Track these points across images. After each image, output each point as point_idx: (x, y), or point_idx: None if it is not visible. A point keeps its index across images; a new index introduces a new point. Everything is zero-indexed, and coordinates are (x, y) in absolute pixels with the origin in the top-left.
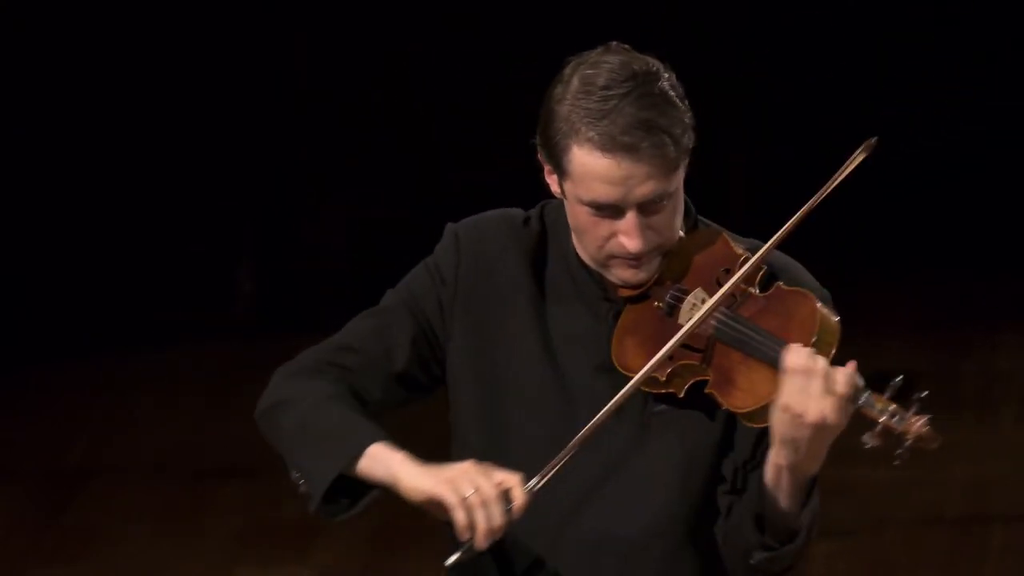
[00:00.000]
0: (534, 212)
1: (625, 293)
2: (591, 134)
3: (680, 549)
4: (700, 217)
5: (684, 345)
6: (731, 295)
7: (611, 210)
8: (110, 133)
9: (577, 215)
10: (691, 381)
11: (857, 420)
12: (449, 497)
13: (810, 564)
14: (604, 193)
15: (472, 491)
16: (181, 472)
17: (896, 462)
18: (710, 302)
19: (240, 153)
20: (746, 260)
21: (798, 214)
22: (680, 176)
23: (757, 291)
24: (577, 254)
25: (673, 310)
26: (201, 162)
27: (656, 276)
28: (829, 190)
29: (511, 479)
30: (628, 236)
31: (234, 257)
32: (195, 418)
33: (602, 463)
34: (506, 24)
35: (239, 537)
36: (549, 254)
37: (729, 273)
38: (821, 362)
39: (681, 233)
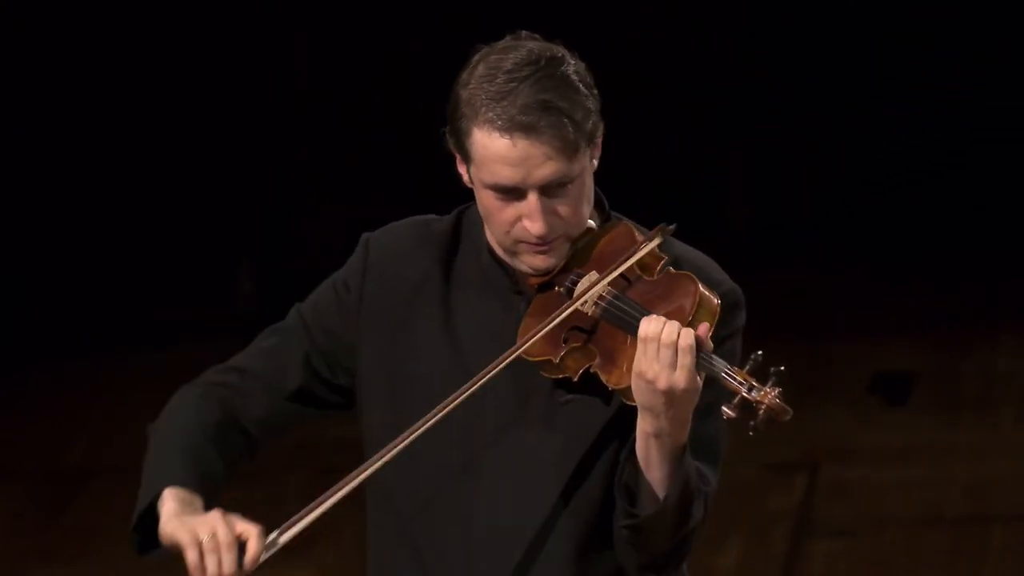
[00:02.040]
0: (449, 215)
1: (534, 282)
2: (490, 115)
3: (588, 540)
4: (614, 212)
5: (576, 327)
6: (624, 279)
7: (513, 193)
8: (110, 133)
9: (483, 200)
10: (584, 365)
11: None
12: (184, 539)
13: (810, 564)
14: (504, 175)
15: (208, 536)
16: None
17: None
18: (599, 280)
19: (240, 153)
20: (642, 245)
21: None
22: (584, 162)
23: (652, 277)
24: (490, 248)
25: (571, 293)
26: (201, 162)
27: (563, 265)
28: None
29: (251, 530)
30: (531, 219)
31: (234, 257)
32: None
33: (506, 454)
34: (506, 24)
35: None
36: (460, 251)
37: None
38: (670, 329)
39: (593, 225)
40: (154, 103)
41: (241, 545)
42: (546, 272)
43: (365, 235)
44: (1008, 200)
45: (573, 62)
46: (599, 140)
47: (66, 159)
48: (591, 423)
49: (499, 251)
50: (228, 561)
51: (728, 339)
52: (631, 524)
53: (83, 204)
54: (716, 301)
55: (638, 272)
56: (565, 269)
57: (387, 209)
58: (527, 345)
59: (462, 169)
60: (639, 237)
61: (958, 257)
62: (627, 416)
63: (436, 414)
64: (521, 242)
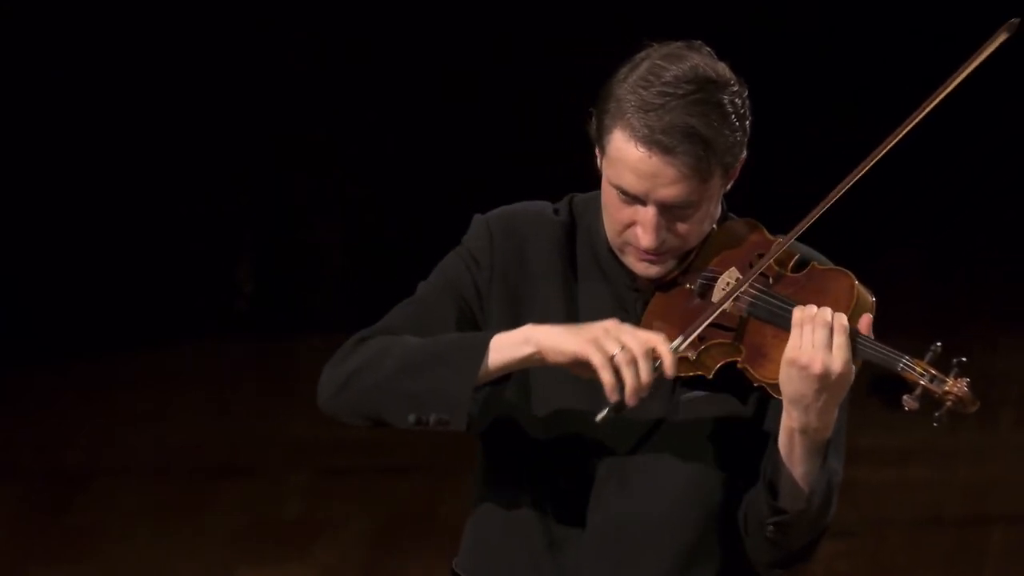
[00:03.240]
0: (562, 204)
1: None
2: (634, 121)
3: (703, 535)
4: (731, 214)
5: (715, 325)
6: (765, 276)
7: (635, 199)
8: (110, 133)
9: (606, 193)
10: (721, 362)
11: (866, 411)
12: (595, 358)
13: (810, 565)
14: (630, 182)
15: (619, 349)
16: (181, 472)
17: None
18: (746, 280)
19: (240, 153)
20: (780, 245)
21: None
22: (713, 190)
23: (791, 273)
24: (607, 241)
25: (706, 291)
26: (201, 162)
27: (685, 267)
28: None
29: (655, 337)
30: (644, 230)
31: (234, 257)
32: (195, 418)
33: (628, 447)
34: (506, 25)
35: (239, 537)
36: (578, 241)
37: (763, 256)
38: (826, 313)
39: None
40: (154, 103)
41: (650, 352)
42: (652, 279)
43: (480, 216)
44: (1008, 199)
45: (735, 89)
46: (738, 168)
47: (66, 159)
48: (722, 418)
49: (610, 242)
50: (645, 371)
51: None
52: (778, 521)
53: (83, 204)
54: (872, 298)
55: (776, 268)
56: (687, 270)
57: (387, 209)
58: (690, 331)
59: (598, 153)
60: (769, 236)
61: (958, 257)
62: (759, 413)
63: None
64: (629, 244)
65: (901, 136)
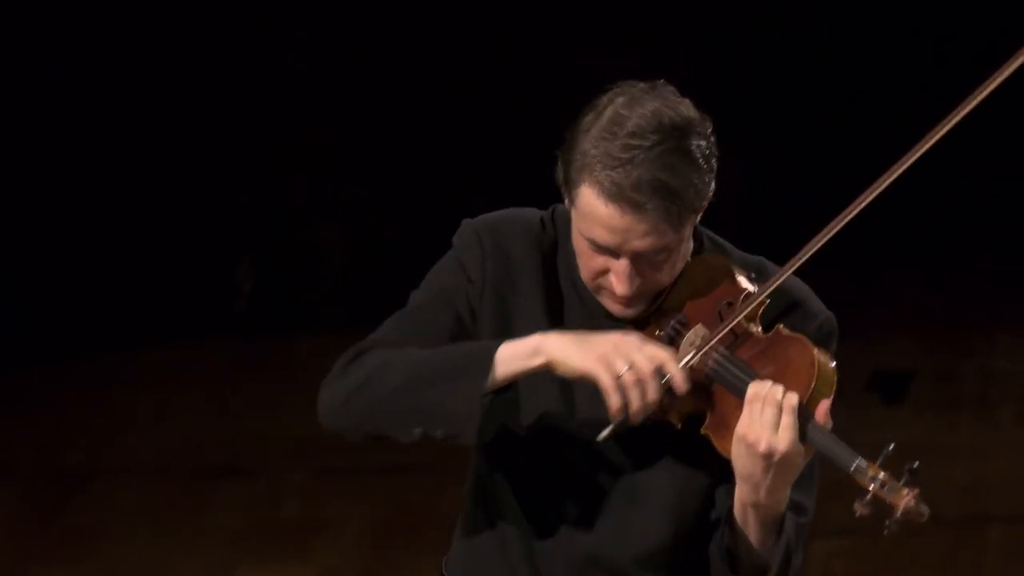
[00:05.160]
0: (547, 216)
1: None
2: (601, 178)
3: (686, 551)
4: (708, 232)
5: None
6: (732, 333)
7: (607, 251)
8: (110, 133)
9: (577, 242)
10: (688, 414)
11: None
12: (603, 379)
13: (808, 563)
14: (601, 237)
15: (626, 368)
16: (181, 472)
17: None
18: (710, 339)
19: (240, 153)
20: (748, 296)
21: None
22: (685, 233)
23: (759, 329)
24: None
25: (673, 342)
26: (201, 162)
27: (658, 304)
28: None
29: (663, 354)
30: (618, 279)
31: (234, 257)
32: (195, 418)
33: (601, 485)
34: (506, 25)
35: (239, 537)
36: (559, 263)
37: (731, 307)
38: (777, 391)
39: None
40: (154, 103)
41: (658, 369)
42: (627, 320)
43: (471, 223)
44: (1008, 199)
45: (700, 130)
46: (706, 204)
47: (67, 159)
48: (694, 463)
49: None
50: (652, 390)
51: None
52: None
53: (83, 204)
54: (832, 365)
55: (745, 324)
56: (660, 309)
57: (386, 209)
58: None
59: (567, 201)
60: (740, 283)
61: (958, 256)
62: (726, 465)
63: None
64: (603, 288)
65: (891, 178)
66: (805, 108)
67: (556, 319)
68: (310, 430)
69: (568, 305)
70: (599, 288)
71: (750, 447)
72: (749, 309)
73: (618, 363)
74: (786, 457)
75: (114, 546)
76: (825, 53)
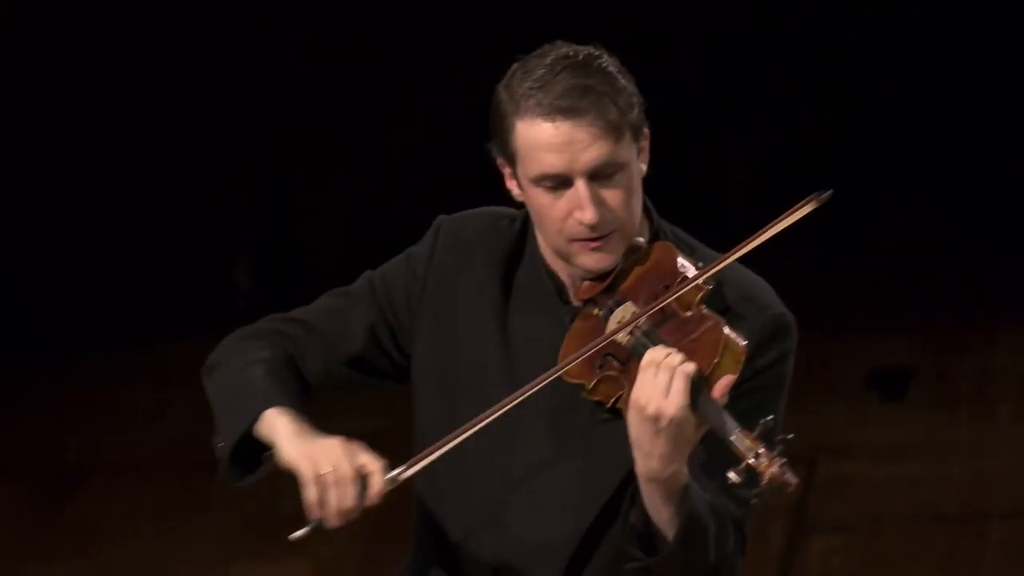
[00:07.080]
0: (520, 213)
1: (582, 296)
2: (530, 103)
3: (613, 559)
4: (664, 223)
5: (611, 355)
6: (661, 312)
7: (561, 183)
8: (110, 133)
9: (533, 200)
10: (616, 394)
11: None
12: (305, 472)
13: (807, 561)
14: (550, 162)
15: (329, 469)
16: (179, 469)
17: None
18: (637, 316)
19: (240, 153)
20: (684, 280)
21: (734, 251)
22: (630, 153)
23: (689, 313)
24: (543, 257)
25: (607, 319)
26: (201, 162)
27: (607, 284)
28: (768, 235)
29: (373, 464)
30: (581, 208)
31: (232, 255)
32: (193, 415)
33: (538, 467)
34: (506, 25)
35: (237, 533)
36: (524, 256)
37: (667, 289)
38: (674, 359)
39: (642, 241)
40: (154, 103)
41: (362, 479)
42: (603, 274)
43: (439, 219)
44: (1006, 196)
45: (611, 59)
46: (645, 142)
47: (66, 159)
48: (622, 447)
49: (555, 257)
50: (349, 496)
51: (770, 366)
52: (638, 568)
53: (82, 203)
54: (743, 344)
55: (675, 307)
56: (609, 288)
57: (386, 208)
58: (566, 368)
59: (511, 184)
60: (681, 265)
61: (956, 254)
62: None
63: (481, 421)
64: (575, 240)
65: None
66: (805, 108)
67: (501, 311)
68: None
69: (522, 296)
70: (569, 244)
71: (640, 410)
72: (683, 292)
73: (323, 463)
74: (674, 422)
75: (113, 543)
76: (825, 53)
